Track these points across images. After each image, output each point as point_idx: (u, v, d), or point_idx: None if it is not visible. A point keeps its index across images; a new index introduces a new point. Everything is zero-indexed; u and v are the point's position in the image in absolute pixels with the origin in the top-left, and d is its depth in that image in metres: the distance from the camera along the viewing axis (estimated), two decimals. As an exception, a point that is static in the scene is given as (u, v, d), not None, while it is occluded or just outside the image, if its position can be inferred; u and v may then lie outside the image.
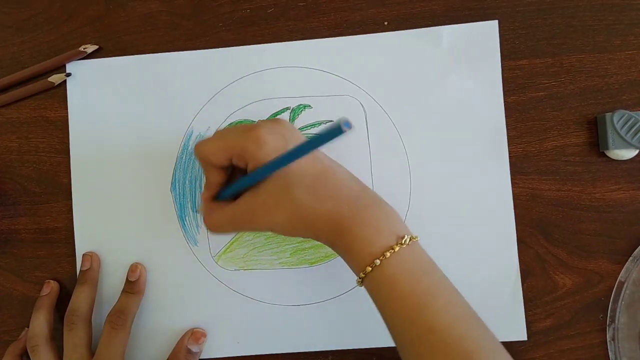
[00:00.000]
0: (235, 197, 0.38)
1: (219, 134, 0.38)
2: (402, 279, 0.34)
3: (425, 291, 0.34)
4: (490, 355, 0.33)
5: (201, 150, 0.37)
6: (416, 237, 0.36)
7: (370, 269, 0.34)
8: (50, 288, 0.45)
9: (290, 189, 0.35)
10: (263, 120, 0.38)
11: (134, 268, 0.45)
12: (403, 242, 0.34)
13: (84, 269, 0.45)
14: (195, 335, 0.44)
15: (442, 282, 0.35)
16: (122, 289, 0.44)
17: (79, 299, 0.43)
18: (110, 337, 0.42)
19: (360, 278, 0.35)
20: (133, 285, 0.44)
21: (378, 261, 0.34)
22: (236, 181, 0.39)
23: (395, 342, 0.35)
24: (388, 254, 0.34)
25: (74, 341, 0.42)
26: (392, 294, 0.34)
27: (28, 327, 0.44)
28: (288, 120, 0.39)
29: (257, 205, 0.37)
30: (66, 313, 0.43)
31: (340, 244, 0.36)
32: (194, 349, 0.43)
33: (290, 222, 0.36)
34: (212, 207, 0.39)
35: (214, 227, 0.39)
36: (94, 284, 0.44)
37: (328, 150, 0.45)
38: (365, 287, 0.36)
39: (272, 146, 0.35)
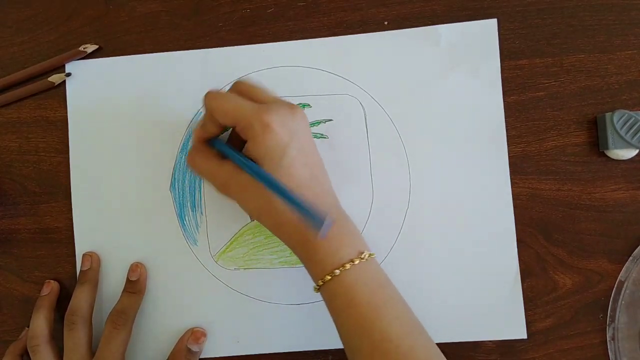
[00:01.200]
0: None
1: (233, 97, 0.38)
2: (360, 290, 0.36)
3: (380, 303, 0.36)
4: None
5: (211, 105, 0.38)
6: (373, 253, 0.38)
7: (329, 277, 0.36)
8: (50, 288, 0.45)
9: (259, 186, 0.36)
10: (280, 102, 0.38)
11: (134, 268, 0.45)
12: (362, 256, 0.37)
13: (84, 268, 0.45)
14: (195, 335, 0.44)
15: (395, 296, 0.38)
16: (122, 289, 0.44)
17: (79, 299, 0.43)
18: (111, 337, 0.42)
19: (317, 285, 0.37)
20: (134, 285, 0.44)
21: (338, 271, 0.36)
22: (230, 150, 0.39)
23: (347, 348, 0.37)
24: (348, 266, 0.36)
25: (74, 341, 0.42)
26: (349, 303, 0.36)
27: (28, 327, 0.44)
28: (304, 113, 0.38)
29: (237, 182, 0.38)
30: (66, 313, 0.43)
31: (302, 250, 0.38)
32: (194, 348, 0.43)
33: (260, 213, 0.38)
34: (201, 150, 0.40)
35: (193, 167, 0.40)
36: (94, 283, 0.44)
37: (328, 149, 0.45)
38: (322, 294, 0.38)
39: (276, 139, 0.36)
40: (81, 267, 0.45)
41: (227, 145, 0.40)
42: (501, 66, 0.44)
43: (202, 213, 0.45)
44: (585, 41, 0.44)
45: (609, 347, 0.43)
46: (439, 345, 0.43)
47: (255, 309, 0.45)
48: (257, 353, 0.45)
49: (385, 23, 0.45)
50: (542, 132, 0.44)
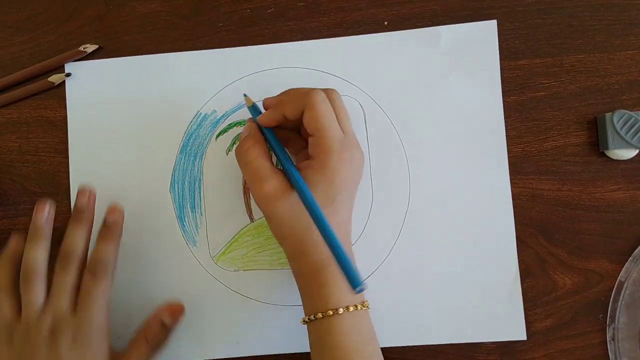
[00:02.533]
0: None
1: (332, 112, 0.37)
2: (354, 338, 0.36)
3: (367, 355, 0.37)
4: None
5: (318, 104, 0.36)
6: (367, 302, 0.38)
7: (331, 312, 0.36)
8: (47, 211, 0.40)
9: (302, 210, 0.36)
10: (355, 140, 0.39)
11: (111, 210, 0.41)
12: (364, 304, 0.38)
13: (81, 205, 0.41)
14: (171, 308, 0.42)
15: (378, 351, 0.38)
16: (98, 234, 0.41)
17: (76, 238, 0.40)
18: (93, 287, 0.39)
19: (308, 319, 0.38)
20: (111, 230, 0.41)
21: (341, 310, 0.36)
22: (290, 165, 0.37)
23: None
24: (351, 309, 0.37)
25: (66, 279, 0.39)
26: (339, 346, 0.36)
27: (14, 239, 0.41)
28: (364, 157, 0.40)
29: (284, 201, 0.37)
30: (61, 250, 0.40)
31: (309, 280, 0.38)
32: (168, 322, 0.41)
33: (289, 238, 0.38)
34: (259, 141, 0.38)
35: (244, 157, 0.38)
36: (90, 222, 0.41)
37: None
38: (309, 329, 0.38)
39: (341, 177, 0.37)
40: (77, 203, 0.41)
41: (285, 151, 0.39)
42: (501, 66, 0.44)
43: (201, 214, 0.45)
44: (585, 41, 0.44)
45: (609, 347, 0.43)
46: (439, 346, 0.43)
47: (255, 310, 0.45)
48: (257, 354, 0.44)
49: (385, 23, 0.45)
50: (542, 132, 0.44)
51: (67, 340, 0.37)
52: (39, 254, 0.39)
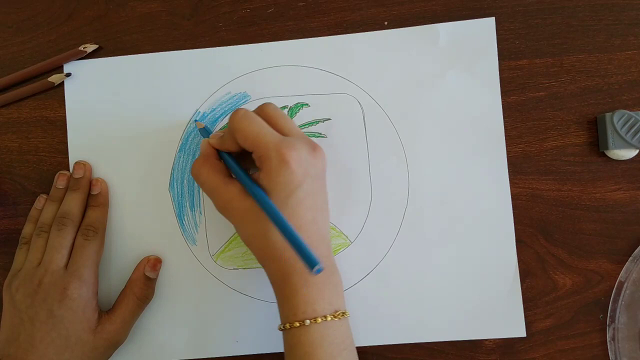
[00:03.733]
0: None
1: (259, 122, 0.38)
2: (323, 350, 0.36)
3: None
4: None
5: (235, 125, 0.38)
6: (348, 313, 0.38)
7: (298, 324, 0.36)
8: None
9: (261, 214, 0.37)
10: (303, 138, 0.39)
11: (94, 182, 0.45)
12: (336, 314, 0.37)
13: (77, 176, 0.45)
14: (151, 262, 0.44)
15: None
16: (87, 204, 0.45)
17: (72, 204, 0.44)
18: (83, 247, 0.42)
19: (283, 327, 0.37)
20: (96, 199, 0.45)
21: (308, 322, 0.36)
22: (241, 172, 0.39)
23: None
24: (319, 320, 0.36)
25: (60, 241, 0.42)
26: (309, 357, 0.36)
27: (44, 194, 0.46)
28: (324, 157, 0.39)
29: (240, 206, 0.38)
30: (57, 215, 0.43)
31: (281, 288, 0.38)
32: (151, 275, 0.44)
33: (253, 241, 0.38)
34: (209, 161, 0.40)
35: (198, 178, 0.40)
36: (85, 191, 0.45)
37: (327, 148, 0.45)
38: (284, 337, 0.38)
39: (290, 177, 0.36)
40: (73, 174, 0.45)
41: (238, 164, 0.40)
42: (501, 66, 0.44)
43: (201, 213, 0.45)
44: (585, 41, 0.44)
45: (609, 347, 0.43)
46: (438, 345, 0.43)
47: (254, 309, 0.45)
48: (255, 353, 0.45)
49: (385, 23, 0.45)
50: (542, 132, 0.44)
51: (57, 292, 0.40)
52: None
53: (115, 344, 0.43)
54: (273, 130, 0.38)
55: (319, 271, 0.32)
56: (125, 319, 0.43)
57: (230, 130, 0.38)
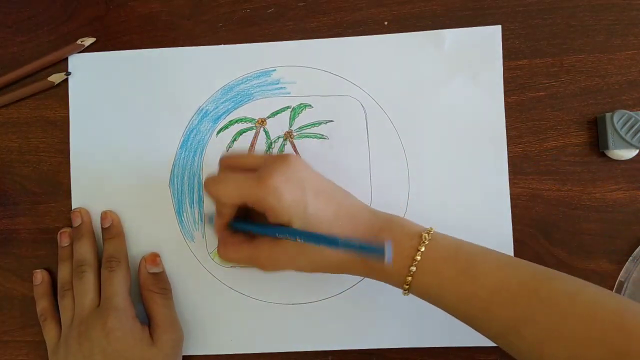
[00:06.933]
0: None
1: (229, 176, 0.38)
2: (445, 270, 0.35)
3: (466, 264, 0.35)
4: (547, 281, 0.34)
5: (213, 192, 0.37)
6: (431, 228, 0.37)
7: (410, 278, 0.36)
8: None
9: (315, 247, 0.36)
10: (272, 160, 0.38)
11: (104, 215, 0.45)
12: (423, 240, 0.36)
13: (77, 224, 0.45)
14: (149, 259, 0.44)
15: (471, 249, 0.37)
16: (102, 238, 0.45)
17: (82, 250, 0.43)
18: (110, 278, 0.42)
19: (405, 290, 0.37)
20: (110, 231, 0.44)
21: (414, 268, 0.35)
22: (257, 225, 0.39)
23: (475, 323, 0.35)
24: (419, 257, 0.35)
25: (84, 287, 0.42)
26: (442, 284, 0.35)
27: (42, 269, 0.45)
28: (295, 156, 0.38)
29: (280, 253, 0.37)
30: (74, 267, 0.43)
31: (371, 274, 0.38)
32: (156, 270, 0.44)
33: (315, 266, 0.38)
34: (228, 241, 0.40)
35: (229, 261, 0.40)
36: (91, 235, 0.44)
37: (328, 150, 0.45)
38: (415, 295, 0.37)
39: (290, 199, 0.35)
40: (73, 224, 0.45)
41: (249, 222, 0.39)
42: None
43: (200, 210, 0.45)
44: (585, 41, 0.44)
45: (609, 347, 0.43)
46: (438, 349, 0.43)
47: (250, 308, 0.45)
48: (251, 352, 0.45)
49: (385, 23, 0.45)
50: (542, 132, 0.44)
51: (99, 331, 0.40)
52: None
53: (177, 342, 0.43)
54: (245, 174, 0.37)
55: (390, 250, 0.32)
56: (166, 316, 0.43)
57: (214, 200, 0.38)
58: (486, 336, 0.35)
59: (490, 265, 0.35)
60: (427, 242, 0.36)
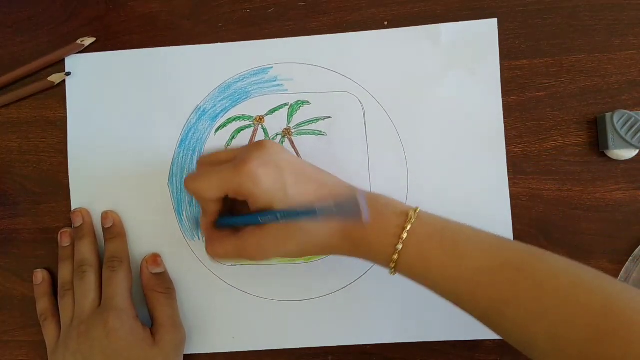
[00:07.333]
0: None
1: (207, 170, 0.38)
2: (429, 246, 0.35)
3: (452, 244, 0.35)
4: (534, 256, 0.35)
5: (193, 188, 0.37)
6: (417, 207, 0.37)
7: (396, 256, 0.35)
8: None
9: (301, 225, 0.36)
10: (247, 148, 0.38)
11: (105, 216, 0.45)
12: (410, 217, 0.36)
13: (78, 225, 0.45)
14: (150, 260, 0.44)
15: (457, 228, 0.36)
16: (104, 239, 0.45)
17: (83, 250, 0.43)
18: (111, 278, 0.42)
19: (392, 269, 0.36)
20: (111, 231, 0.44)
21: (400, 246, 0.35)
22: (239, 217, 0.39)
23: (462, 302, 0.35)
24: (405, 235, 0.35)
25: (85, 287, 0.42)
26: (428, 263, 0.35)
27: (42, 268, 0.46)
28: (271, 140, 0.38)
29: (266, 239, 0.37)
30: (75, 267, 0.43)
31: (358, 251, 0.37)
32: (158, 270, 0.44)
33: (303, 248, 0.37)
34: (214, 237, 0.39)
35: (217, 257, 0.39)
36: (92, 235, 0.45)
37: (327, 146, 0.45)
38: (402, 274, 0.37)
39: (269, 182, 0.35)
40: (74, 224, 0.45)
41: (232, 217, 0.40)
42: (501, 66, 0.44)
43: (199, 208, 0.45)
44: (585, 41, 0.44)
45: (609, 347, 0.43)
46: (439, 343, 0.43)
47: (251, 305, 0.45)
48: (252, 349, 0.45)
49: (385, 23, 0.45)
50: (542, 132, 0.44)
51: (100, 331, 0.40)
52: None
53: (179, 343, 0.43)
54: (223, 166, 0.37)
55: (365, 204, 0.32)
56: (168, 316, 0.43)
57: (196, 195, 0.38)
58: (472, 315, 0.35)
59: (475, 245, 0.35)
60: (413, 221, 0.35)
